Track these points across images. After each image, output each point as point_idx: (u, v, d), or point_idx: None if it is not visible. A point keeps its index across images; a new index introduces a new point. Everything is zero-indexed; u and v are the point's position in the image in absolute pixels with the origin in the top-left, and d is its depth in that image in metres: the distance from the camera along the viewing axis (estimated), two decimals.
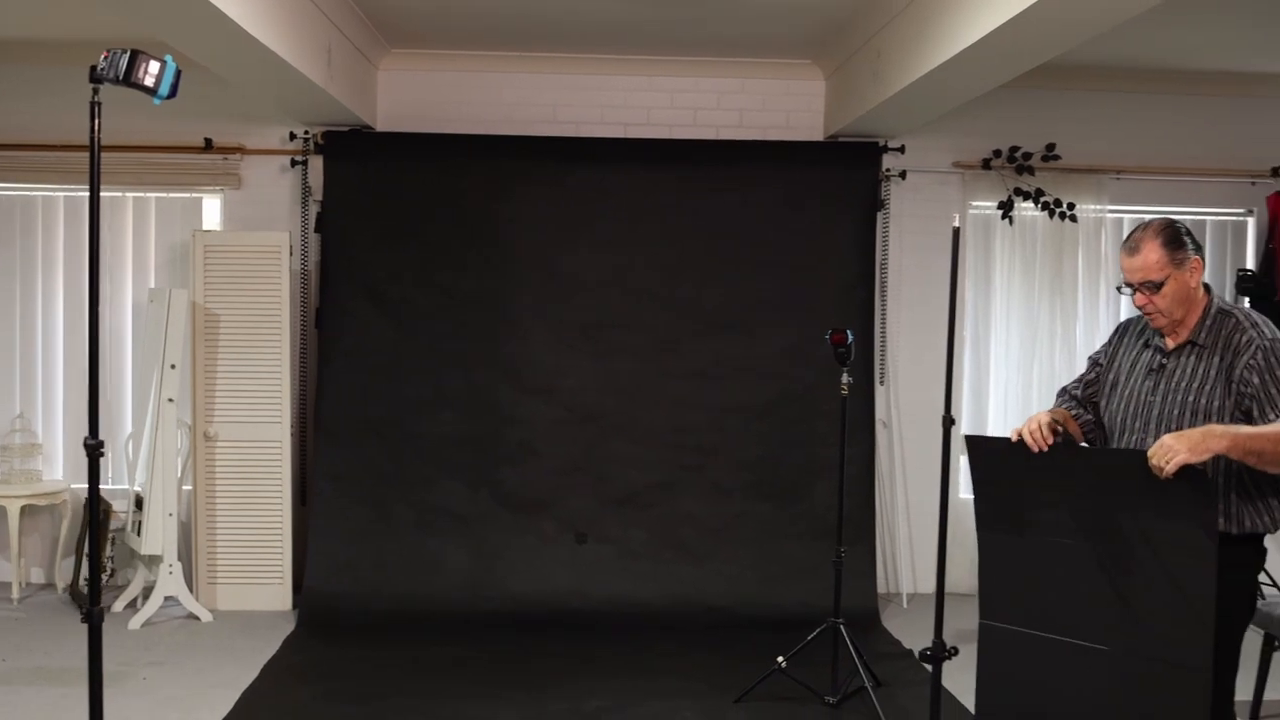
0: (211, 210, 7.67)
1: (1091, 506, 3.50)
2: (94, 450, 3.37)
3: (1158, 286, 3.59)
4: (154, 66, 3.34)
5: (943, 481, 4.10)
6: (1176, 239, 3.62)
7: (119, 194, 7.60)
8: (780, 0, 6.23)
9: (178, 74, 3.41)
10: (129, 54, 3.32)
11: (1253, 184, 7.82)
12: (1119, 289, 3.75)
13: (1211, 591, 3.30)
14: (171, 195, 7.61)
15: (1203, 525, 3.32)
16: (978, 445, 3.80)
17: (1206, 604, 3.30)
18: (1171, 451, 3.28)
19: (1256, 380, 3.46)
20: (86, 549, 7.14)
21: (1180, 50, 7.01)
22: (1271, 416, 3.42)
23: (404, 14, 6.66)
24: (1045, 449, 3.60)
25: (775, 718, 5.40)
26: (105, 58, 3.31)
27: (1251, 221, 7.91)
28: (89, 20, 6.63)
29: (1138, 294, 3.64)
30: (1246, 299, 7.55)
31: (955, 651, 3.93)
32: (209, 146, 7.47)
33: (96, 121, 3.38)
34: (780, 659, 5.56)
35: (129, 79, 3.32)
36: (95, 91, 3.35)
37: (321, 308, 7.33)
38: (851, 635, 5.54)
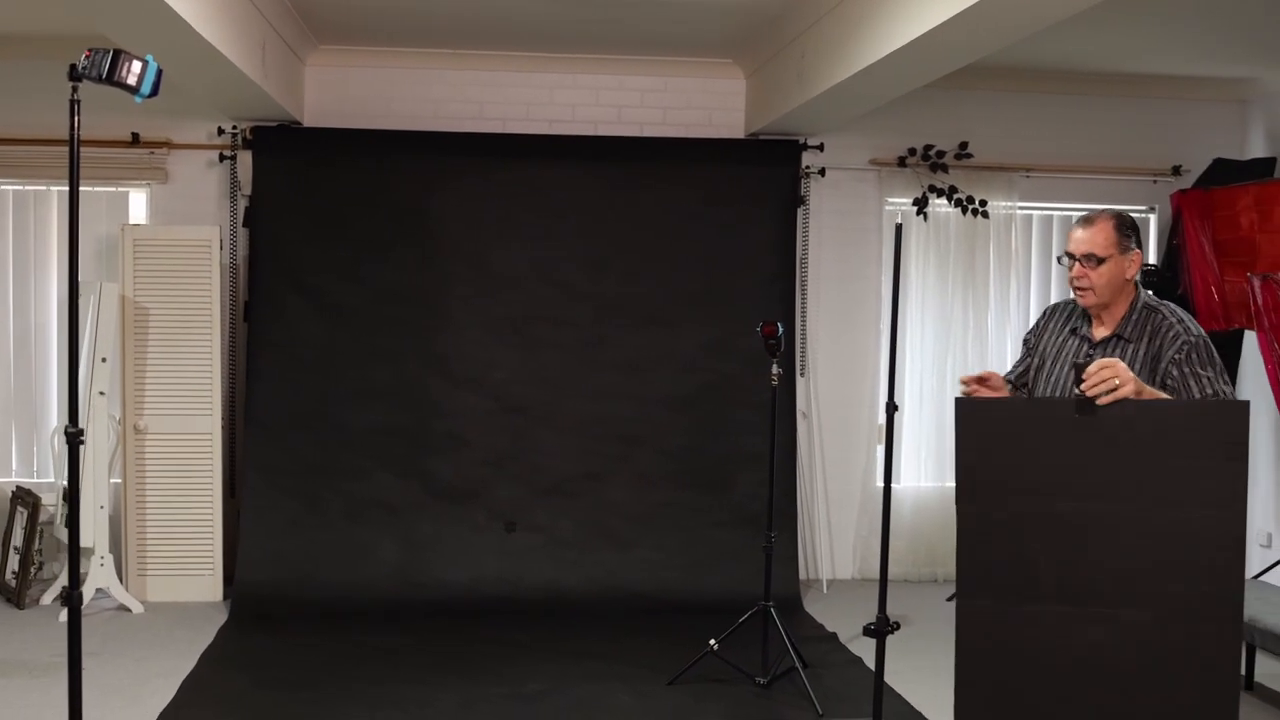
0: (138, 204, 7.69)
1: (1100, 465, 3.36)
2: (74, 438, 3.46)
3: (1099, 262, 3.72)
4: (136, 66, 3.43)
5: (886, 464, 4.21)
6: (1127, 228, 3.79)
7: (44, 187, 7.61)
8: (701, 2, 6.40)
9: (159, 73, 3.50)
10: (111, 53, 3.40)
11: (1155, 182, 8.14)
12: (1059, 259, 3.87)
13: (1242, 534, 3.24)
14: (97, 189, 7.62)
15: (1232, 477, 3.21)
16: (969, 409, 3.59)
17: (1237, 547, 3.22)
18: (1120, 381, 3.31)
19: (1176, 373, 3.59)
20: (15, 541, 7.15)
21: (1088, 54, 7.29)
22: (1197, 391, 3.57)
23: (333, 10, 6.74)
24: (973, 391, 3.70)
25: (708, 698, 5.58)
26: (87, 57, 3.39)
27: (1154, 218, 8.24)
28: (24, 12, 6.63)
29: (1077, 264, 3.77)
30: (1150, 292, 7.84)
31: (898, 626, 4.00)
32: (136, 141, 7.50)
33: (76, 120, 3.46)
34: (712, 641, 5.74)
35: (112, 78, 3.40)
36: (74, 89, 3.43)
37: (251, 301, 7.40)
38: (781, 618, 5.74)
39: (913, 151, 7.93)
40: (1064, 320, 3.97)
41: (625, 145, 7.71)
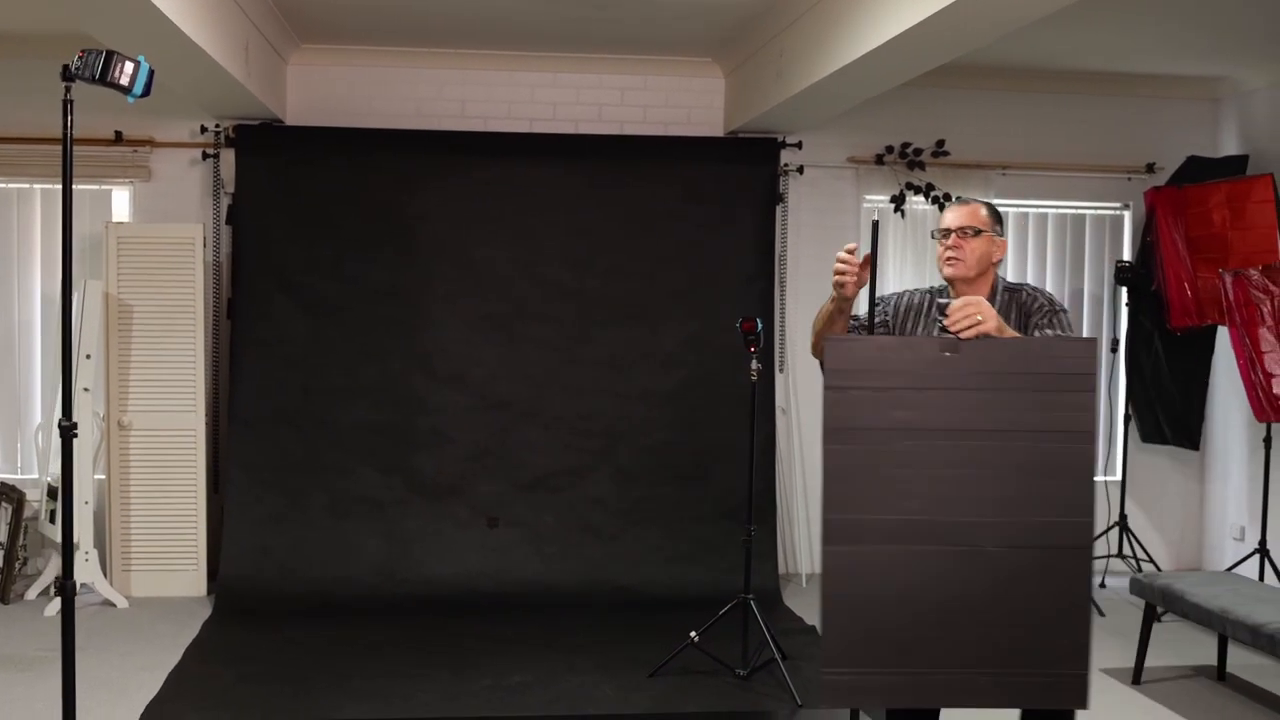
0: (121, 202, 7.72)
1: (961, 401, 3.49)
2: (67, 431, 3.53)
3: (976, 233, 3.86)
4: (129, 67, 3.49)
5: None
6: (997, 216, 3.96)
7: (26, 185, 7.64)
8: (681, 1, 6.47)
9: (151, 74, 3.56)
10: (104, 54, 3.46)
11: (1129, 179, 8.24)
12: (933, 234, 3.98)
13: (1092, 466, 3.41)
14: (81, 187, 7.64)
15: (1083, 409, 3.39)
16: (838, 346, 3.63)
17: (1088, 480, 3.39)
18: (982, 318, 3.48)
19: (1044, 333, 3.78)
20: (0, 537, 7.19)
21: (1063, 52, 7.39)
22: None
23: (316, 9, 6.79)
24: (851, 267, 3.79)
25: (689, 690, 5.66)
26: (80, 57, 3.45)
27: (1128, 215, 8.34)
28: (7, 10, 6.66)
29: (953, 236, 3.88)
30: (1125, 289, 7.96)
31: None
32: (119, 139, 7.53)
33: (69, 119, 3.52)
34: (693, 634, 5.82)
35: (105, 78, 3.46)
36: (67, 90, 3.49)
37: (234, 299, 7.44)
38: (760, 611, 5.82)
39: (890, 149, 8.02)
40: (923, 313, 4.05)
41: (606, 143, 7.77)
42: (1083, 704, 3.36)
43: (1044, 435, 3.41)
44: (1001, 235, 3.93)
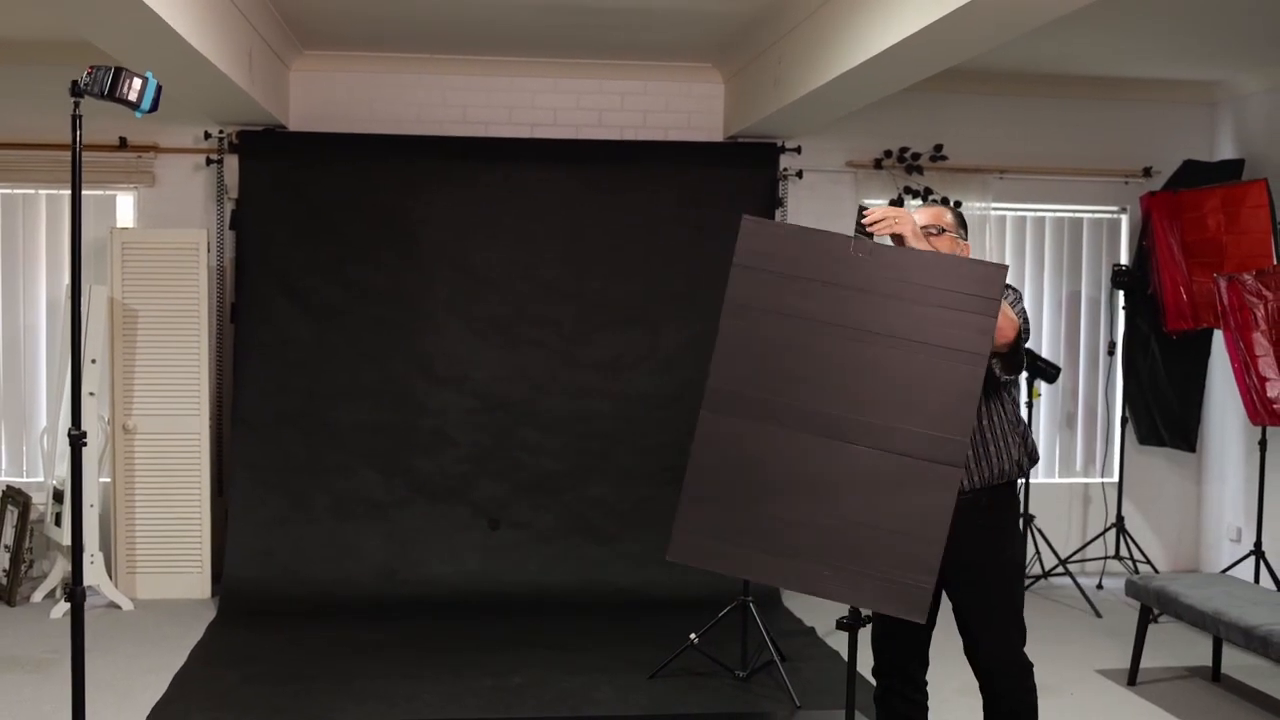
0: (125, 208, 7.79)
1: (864, 302, 3.55)
2: (77, 441, 3.59)
3: (940, 231, 3.96)
4: (136, 83, 3.58)
5: None
6: (962, 221, 4.09)
7: (31, 191, 7.70)
8: (681, 8, 6.53)
9: (159, 89, 3.64)
10: (113, 70, 3.54)
11: (1126, 183, 8.29)
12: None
13: (977, 388, 3.46)
14: (86, 193, 7.67)
15: (980, 331, 3.45)
16: (754, 227, 3.73)
17: (970, 401, 3.45)
18: (900, 220, 3.60)
19: None
20: (6, 540, 7.25)
21: (1061, 57, 7.44)
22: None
23: (317, 16, 6.84)
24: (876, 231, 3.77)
25: (688, 691, 5.72)
26: (89, 74, 3.53)
27: (1125, 219, 8.39)
28: (11, 18, 6.72)
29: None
30: (1122, 292, 8.01)
31: (870, 619, 4.15)
32: (123, 145, 7.60)
33: (78, 134, 3.60)
34: (692, 635, 5.88)
35: (113, 94, 3.54)
36: (76, 105, 3.57)
37: (237, 303, 7.51)
38: (759, 613, 5.88)
39: (888, 154, 8.07)
40: None
41: (606, 148, 7.83)
42: (920, 616, 3.42)
43: (937, 350, 3.47)
44: (965, 239, 4.04)
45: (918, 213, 4.02)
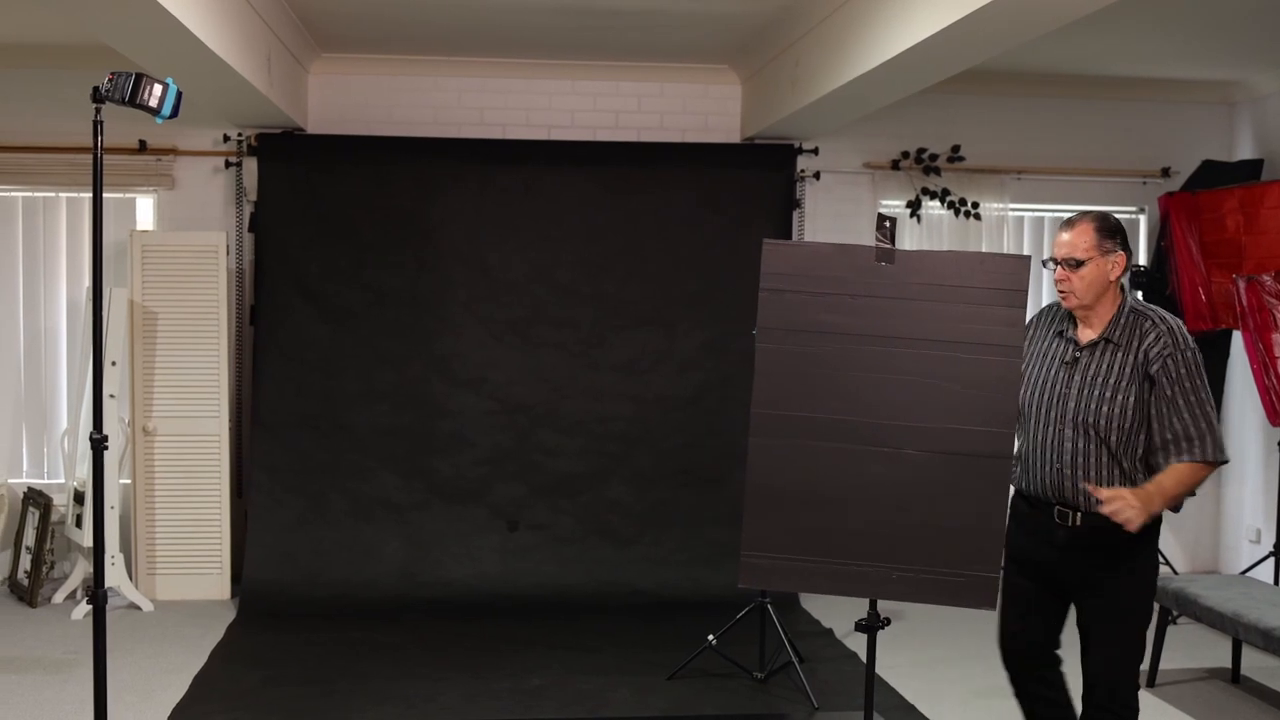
0: (145, 210, 7.83)
1: (894, 310, 3.60)
2: (98, 444, 3.62)
3: (1078, 265, 3.77)
4: (157, 89, 3.61)
5: None
6: (1109, 230, 3.84)
7: (52, 194, 7.74)
8: (698, 10, 6.54)
9: (179, 95, 3.67)
10: (134, 77, 3.57)
11: (1144, 184, 8.27)
12: (1044, 263, 3.94)
13: (1015, 380, 3.53)
14: (106, 196, 7.66)
15: (1010, 324, 3.51)
16: (774, 249, 3.83)
17: (1011, 392, 3.51)
18: (1131, 511, 3.54)
19: (1164, 380, 3.69)
20: (28, 542, 7.30)
21: (1078, 58, 7.43)
22: (1169, 414, 3.68)
23: (335, 19, 6.87)
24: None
25: (707, 692, 5.72)
26: (110, 80, 3.56)
27: (1144, 219, 8.38)
28: (33, 22, 6.75)
29: (1059, 268, 3.82)
30: (1140, 293, 7.98)
31: (889, 621, 4.12)
32: (143, 148, 7.63)
33: (99, 139, 3.65)
34: (711, 637, 5.89)
35: (134, 100, 3.57)
36: (98, 110, 3.60)
37: (256, 305, 7.54)
38: (777, 614, 5.88)
39: (906, 155, 8.07)
40: (1050, 322, 4.00)
41: (623, 150, 7.84)
42: (991, 605, 3.53)
43: (971, 347, 3.55)
44: (1115, 251, 3.81)
45: (1059, 236, 3.87)
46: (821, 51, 6.34)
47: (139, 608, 7.04)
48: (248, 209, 7.67)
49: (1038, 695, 4.06)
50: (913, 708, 5.58)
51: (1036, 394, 3.88)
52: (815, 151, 7.95)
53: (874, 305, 3.60)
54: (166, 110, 3.65)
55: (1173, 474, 3.67)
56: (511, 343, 7.63)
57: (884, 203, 8.10)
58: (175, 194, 7.74)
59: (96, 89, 3.56)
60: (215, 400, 7.30)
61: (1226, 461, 3.74)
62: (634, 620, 6.97)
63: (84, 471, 7.06)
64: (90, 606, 6.81)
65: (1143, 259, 8.30)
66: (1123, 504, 3.56)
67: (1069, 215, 3.97)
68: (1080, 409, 3.76)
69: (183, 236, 7.43)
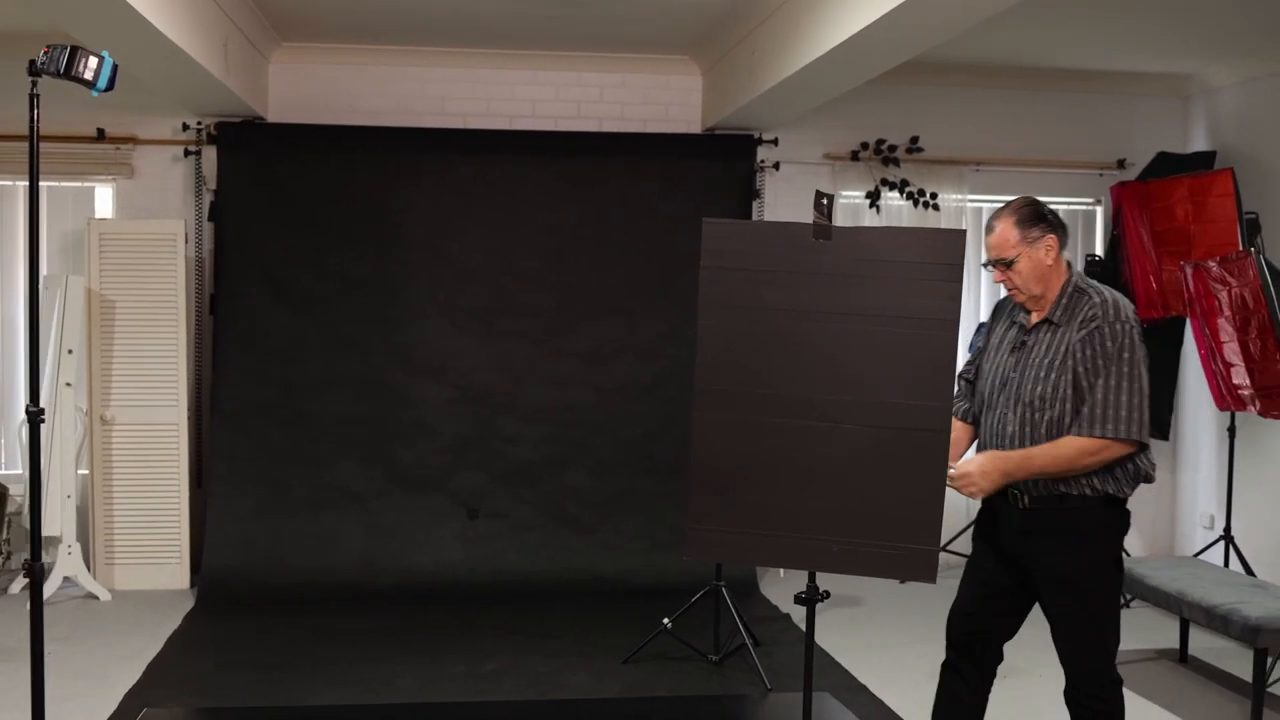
0: (104, 199, 7.81)
1: (832, 285, 3.61)
2: (35, 417, 3.61)
3: (1010, 264, 3.76)
4: (93, 61, 3.61)
5: None
6: (1031, 218, 3.79)
7: (9, 182, 7.71)
8: (659, 0, 6.57)
9: (115, 68, 3.67)
10: (69, 49, 3.57)
11: (1100, 175, 8.35)
12: (984, 265, 3.93)
13: (952, 354, 3.55)
14: (64, 184, 7.73)
15: (948, 298, 3.54)
16: (715, 229, 3.89)
17: (948, 366, 3.54)
18: (972, 485, 3.70)
19: (1087, 352, 3.64)
20: None
21: (1035, 49, 7.49)
22: (1088, 385, 3.63)
23: (296, 7, 6.87)
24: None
25: (662, 675, 5.77)
26: (45, 53, 3.56)
27: (1100, 210, 8.46)
28: None
29: (995, 270, 3.82)
30: (1081, 274, 8.05)
31: (828, 594, 4.14)
32: (101, 136, 7.61)
33: (36, 113, 3.63)
34: (666, 620, 5.93)
35: (69, 72, 3.57)
36: (34, 84, 3.60)
37: (216, 294, 7.54)
38: (732, 598, 5.93)
39: (865, 146, 8.13)
40: (1010, 311, 3.99)
41: (584, 140, 7.88)
42: (931, 578, 3.55)
43: (908, 321, 3.58)
44: (1042, 237, 3.77)
45: (986, 245, 3.88)
46: (777, 39, 6.39)
47: (96, 597, 7.03)
48: (207, 198, 7.66)
49: (963, 679, 4.03)
50: (864, 687, 5.64)
51: (992, 380, 3.90)
52: (775, 142, 8.00)
53: (812, 281, 3.64)
54: (102, 83, 3.65)
55: (1053, 448, 3.66)
56: (473, 331, 7.65)
57: (844, 193, 8.15)
58: (134, 183, 7.73)
59: (32, 62, 3.56)
60: (174, 389, 7.29)
61: (1144, 444, 3.66)
62: (594, 606, 7.01)
63: (43, 460, 7.02)
64: (47, 595, 6.84)
65: (1099, 249, 8.38)
66: (965, 480, 3.70)
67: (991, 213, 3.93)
68: (1020, 390, 3.77)
69: (141, 225, 7.41)
